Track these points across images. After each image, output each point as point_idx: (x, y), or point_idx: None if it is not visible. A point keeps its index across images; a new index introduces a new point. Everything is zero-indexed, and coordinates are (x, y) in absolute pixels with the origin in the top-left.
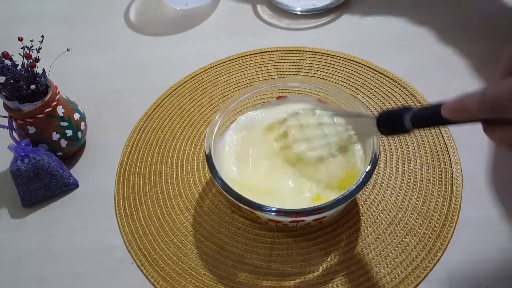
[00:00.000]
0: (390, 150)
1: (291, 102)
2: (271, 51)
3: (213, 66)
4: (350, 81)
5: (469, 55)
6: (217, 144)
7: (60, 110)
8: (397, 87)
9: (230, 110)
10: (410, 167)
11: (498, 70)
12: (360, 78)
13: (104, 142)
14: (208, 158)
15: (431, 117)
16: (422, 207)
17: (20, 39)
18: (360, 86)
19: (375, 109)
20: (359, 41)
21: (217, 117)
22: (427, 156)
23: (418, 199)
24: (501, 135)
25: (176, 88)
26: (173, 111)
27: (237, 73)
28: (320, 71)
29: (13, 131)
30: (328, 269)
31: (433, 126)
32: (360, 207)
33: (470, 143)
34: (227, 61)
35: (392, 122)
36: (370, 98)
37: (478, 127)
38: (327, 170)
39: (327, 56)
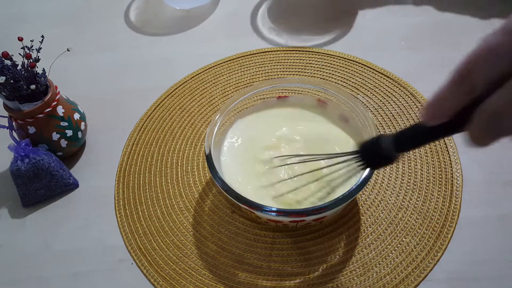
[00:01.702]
0: None
1: (289, 106)
2: (271, 51)
3: (213, 66)
4: (350, 81)
5: None
6: (218, 144)
7: (60, 110)
8: (397, 87)
9: (230, 110)
10: (410, 167)
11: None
12: (360, 78)
13: (104, 142)
14: (208, 158)
15: (413, 133)
16: (422, 207)
17: (20, 39)
18: (360, 86)
19: (375, 109)
20: (360, 41)
21: (217, 117)
22: (427, 156)
23: (418, 199)
24: (484, 116)
25: (176, 88)
26: (173, 111)
27: (237, 73)
28: (320, 71)
29: (13, 131)
30: (328, 269)
31: (418, 144)
32: (360, 207)
33: None
34: (227, 61)
35: (371, 151)
36: (370, 98)
37: None
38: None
39: (327, 56)
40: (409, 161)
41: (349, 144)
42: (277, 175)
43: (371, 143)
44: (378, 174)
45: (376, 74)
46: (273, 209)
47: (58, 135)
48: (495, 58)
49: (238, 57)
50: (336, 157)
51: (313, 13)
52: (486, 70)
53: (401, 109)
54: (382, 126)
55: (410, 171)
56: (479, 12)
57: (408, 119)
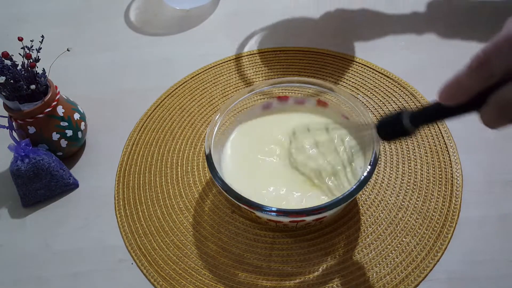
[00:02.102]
0: (390, 150)
1: (289, 110)
2: (271, 51)
3: (213, 66)
4: (350, 81)
5: (470, 56)
6: (218, 144)
7: (60, 110)
8: (397, 87)
9: (230, 110)
10: (410, 167)
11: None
12: (360, 78)
13: (104, 142)
14: (208, 158)
15: (430, 110)
16: (422, 207)
17: (20, 39)
18: (360, 86)
19: (375, 109)
20: (360, 41)
21: (217, 117)
22: (427, 156)
23: (418, 199)
24: (498, 103)
25: (176, 88)
26: (173, 111)
27: (237, 73)
28: (320, 71)
29: (13, 131)
30: (328, 269)
31: (433, 120)
32: (360, 207)
33: (470, 143)
34: (227, 61)
35: (390, 124)
36: (370, 98)
37: (477, 126)
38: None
39: (327, 56)
40: (409, 161)
41: (349, 144)
42: (279, 173)
43: (390, 116)
44: (378, 174)
45: (376, 74)
46: (273, 209)
47: (58, 135)
48: None
49: (238, 57)
50: (350, 127)
51: (312, 33)
52: (505, 59)
53: (401, 109)
54: None
55: (410, 171)
56: (481, 12)
57: None
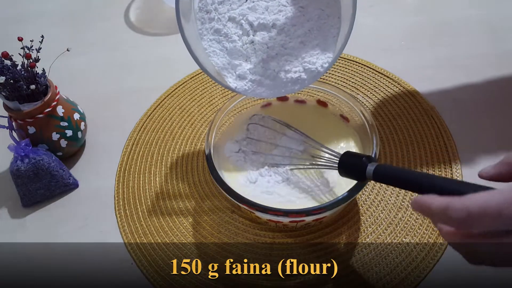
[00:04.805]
0: (390, 151)
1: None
2: None
3: None
4: (350, 81)
5: (470, 56)
6: (218, 144)
7: (60, 110)
8: (397, 87)
9: (230, 110)
10: (410, 167)
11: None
12: (360, 78)
13: (104, 142)
14: (208, 158)
15: (396, 176)
16: None
17: (20, 39)
18: (360, 86)
19: (375, 109)
20: (360, 41)
21: (217, 117)
22: (427, 156)
23: None
24: (453, 237)
25: (176, 88)
26: (173, 111)
27: None
28: None
29: (13, 131)
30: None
31: (396, 186)
32: (360, 207)
33: (470, 143)
34: None
35: (353, 166)
36: (370, 98)
37: (477, 126)
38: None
39: None
40: (409, 161)
41: (349, 144)
42: (277, 173)
43: (356, 157)
44: None
45: (376, 74)
46: (273, 209)
47: (58, 135)
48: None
49: None
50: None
51: None
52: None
53: (401, 109)
54: (382, 126)
55: None
56: (480, 12)
57: (408, 120)
